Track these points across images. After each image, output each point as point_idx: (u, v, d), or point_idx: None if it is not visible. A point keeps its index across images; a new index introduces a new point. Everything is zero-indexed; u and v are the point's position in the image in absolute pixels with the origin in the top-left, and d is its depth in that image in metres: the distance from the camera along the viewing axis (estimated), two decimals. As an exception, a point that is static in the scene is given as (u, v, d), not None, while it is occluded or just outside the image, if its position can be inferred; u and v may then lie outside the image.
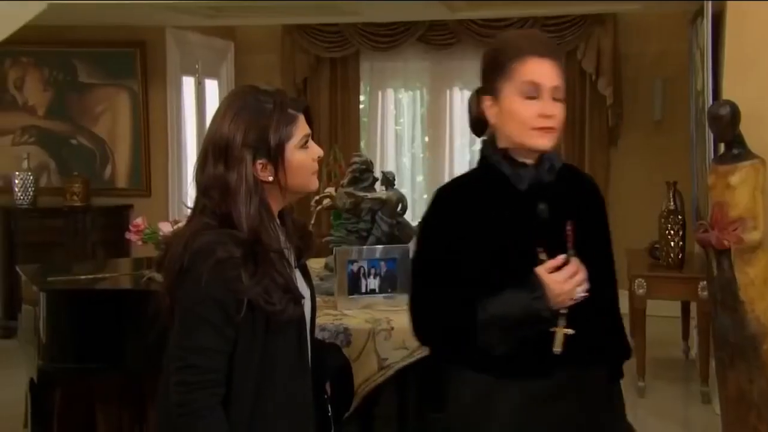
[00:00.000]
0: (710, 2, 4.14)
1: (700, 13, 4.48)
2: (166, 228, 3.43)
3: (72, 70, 6.40)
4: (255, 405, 1.68)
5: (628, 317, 5.13)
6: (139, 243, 3.55)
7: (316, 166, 1.77)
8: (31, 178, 6.21)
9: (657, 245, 4.63)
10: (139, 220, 3.60)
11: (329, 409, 1.98)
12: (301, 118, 1.75)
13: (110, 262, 4.95)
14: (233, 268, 1.62)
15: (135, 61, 6.41)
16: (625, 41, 6.50)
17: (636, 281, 4.45)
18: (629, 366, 5.10)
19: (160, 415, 1.75)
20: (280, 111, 1.71)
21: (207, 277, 1.61)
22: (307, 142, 1.75)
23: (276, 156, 1.69)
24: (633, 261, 4.82)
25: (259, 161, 1.68)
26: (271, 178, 1.70)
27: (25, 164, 6.25)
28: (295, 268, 1.81)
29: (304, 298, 1.76)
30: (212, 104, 6.99)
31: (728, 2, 4.05)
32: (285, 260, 1.72)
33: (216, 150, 1.68)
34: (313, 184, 1.79)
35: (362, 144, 6.98)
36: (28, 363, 3.31)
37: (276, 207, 1.75)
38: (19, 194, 6.16)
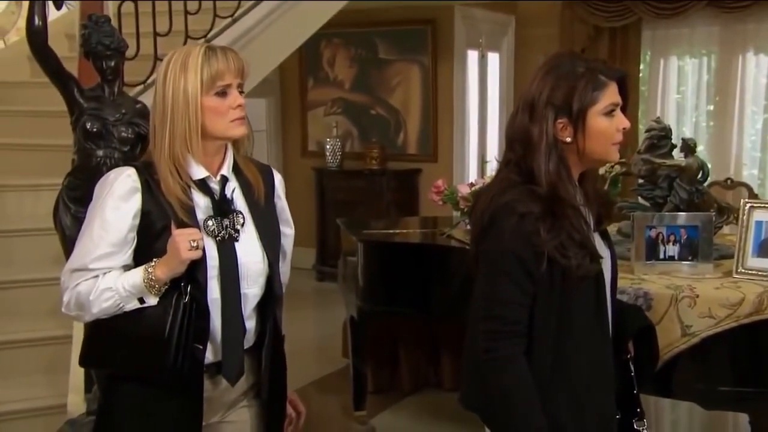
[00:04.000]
0: None
1: None
2: (464, 190, 3.50)
3: (373, 47, 6.72)
4: (555, 358, 1.65)
5: None
6: (439, 203, 3.66)
7: (619, 137, 1.68)
8: (339, 143, 6.69)
9: None
10: (439, 182, 3.70)
11: (631, 368, 1.90)
12: (612, 86, 1.67)
13: (402, 219, 5.20)
14: (532, 222, 1.61)
15: (426, 38, 6.56)
16: None
17: None
18: None
19: (467, 359, 1.78)
20: (590, 75, 1.65)
21: (509, 233, 1.61)
22: (613, 111, 1.67)
23: (577, 118, 1.64)
24: None
25: (560, 121, 1.65)
26: (569, 140, 1.65)
27: (334, 132, 6.75)
28: (594, 232, 1.75)
29: (602, 257, 1.70)
30: (494, 76, 7.00)
31: None
32: (582, 218, 1.67)
33: (524, 105, 1.68)
34: (613, 155, 1.70)
35: (639, 113, 6.59)
36: (349, 303, 3.58)
37: (575, 171, 1.70)
38: (329, 158, 6.68)
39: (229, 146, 1.75)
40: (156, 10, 3.43)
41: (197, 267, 1.62)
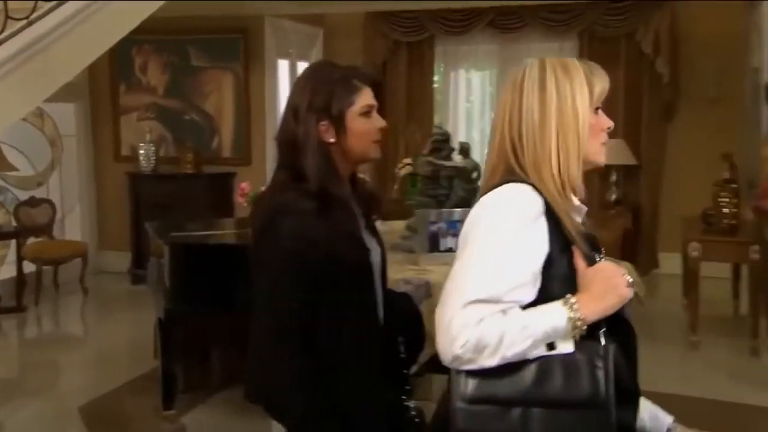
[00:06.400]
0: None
1: (758, -5, 4.24)
2: (268, 192, 3.49)
3: (186, 55, 6.52)
4: (334, 346, 1.67)
5: (682, 278, 4.99)
6: (244, 204, 3.63)
7: (377, 135, 1.72)
8: (153, 148, 6.40)
9: (710, 212, 4.45)
10: (244, 185, 3.67)
11: (402, 350, 1.96)
12: (366, 90, 1.71)
13: (217, 221, 5.07)
14: (307, 219, 1.61)
15: (238, 47, 6.47)
16: (682, 24, 6.22)
17: (691, 245, 4.31)
18: (683, 323, 4.95)
19: (252, 355, 1.72)
20: (345, 81, 1.69)
21: (285, 232, 1.60)
22: (370, 112, 1.70)
23: (337, 120, 1.66)
24: (687, 227, 4.68)
25: (322, 123, 1.66)
26: (333, 140, 1.67)
27: (147, 137, 6.45)
28: (365, 227, 1.78)
29: (370, 250, 1.73)
30: (304, 84, 7.02)
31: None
32: (353, 213, 1.71)
33: (289, 112, 1.69)
34: (374, 152, 1.73)
35: (436, 120, 6.90)
36: (157, 305, 3.43)
37: (343, 170, 1.72)
38: (143, 162, 6.38)
39: None
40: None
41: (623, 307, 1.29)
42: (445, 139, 3.23)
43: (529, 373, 1.22)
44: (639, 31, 6.20)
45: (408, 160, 3.66)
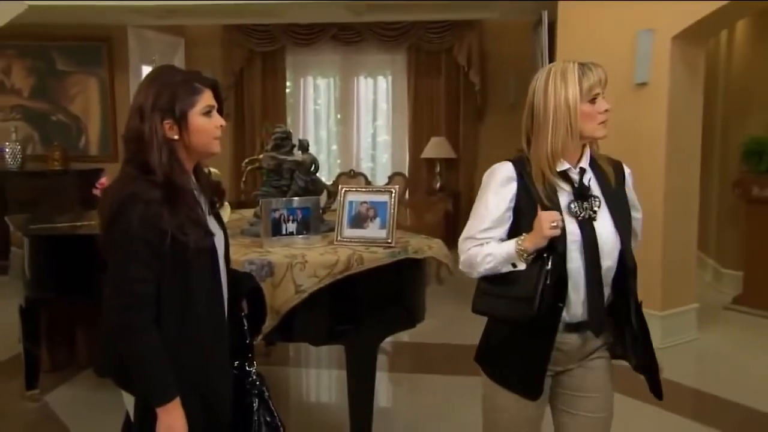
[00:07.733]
0: (546, 12, 4.22)
1: (539, 22, 4.57)
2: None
3: (51, 60, 6.07)
4: (181, 321, 1.63)
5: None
6: (105, 198, 3.43)
7: (217, 132, 1.70)
8: (19, 147, 5.92)
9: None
10: (103, 180, 3.46)
11: (245, 323, 1.95)
12: (207, 92, 1.68)
13: (85, 213, 4.74)
14: (155, 207, 1.56)
15: (102, 54, 6.09)
16: (488, 42, 6.58)
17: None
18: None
19: (102, 333, 1.67)
20: (187, 83, 1.65)
21: (135, 219, 1.55)
22: (210, 111, 1.68)
23: (180, 118, 1.63)
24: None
25: (167, 121, 1.62)
26: (176, 137, 1.63)
27: (13, 136, 5.96)
28: (209, 215, 1.75)
29: (214, 234, 1.71)
30: (168, 88, 6.71)
31: (559, 14, 4.14)
32: (197, 202, 1.67)
33: (134, 111, 1.63)
34: (215, 147, 1.70)
35: (289, 120, 6.86)
36: (19, 293, 3.17)
37: (187, 164, 1.68)
38: (9, 160, 5.88)
39: (587, 144, 1.76)
40: None
41: (558, 241, 1.66)
42: (286, 136, 3.20)
43: (507, 279, 1.70)
44: (455, 47, 6.49)
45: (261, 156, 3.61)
